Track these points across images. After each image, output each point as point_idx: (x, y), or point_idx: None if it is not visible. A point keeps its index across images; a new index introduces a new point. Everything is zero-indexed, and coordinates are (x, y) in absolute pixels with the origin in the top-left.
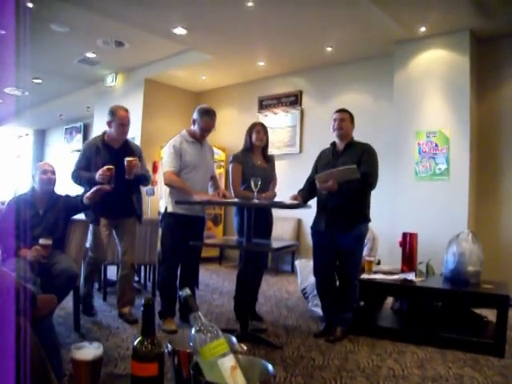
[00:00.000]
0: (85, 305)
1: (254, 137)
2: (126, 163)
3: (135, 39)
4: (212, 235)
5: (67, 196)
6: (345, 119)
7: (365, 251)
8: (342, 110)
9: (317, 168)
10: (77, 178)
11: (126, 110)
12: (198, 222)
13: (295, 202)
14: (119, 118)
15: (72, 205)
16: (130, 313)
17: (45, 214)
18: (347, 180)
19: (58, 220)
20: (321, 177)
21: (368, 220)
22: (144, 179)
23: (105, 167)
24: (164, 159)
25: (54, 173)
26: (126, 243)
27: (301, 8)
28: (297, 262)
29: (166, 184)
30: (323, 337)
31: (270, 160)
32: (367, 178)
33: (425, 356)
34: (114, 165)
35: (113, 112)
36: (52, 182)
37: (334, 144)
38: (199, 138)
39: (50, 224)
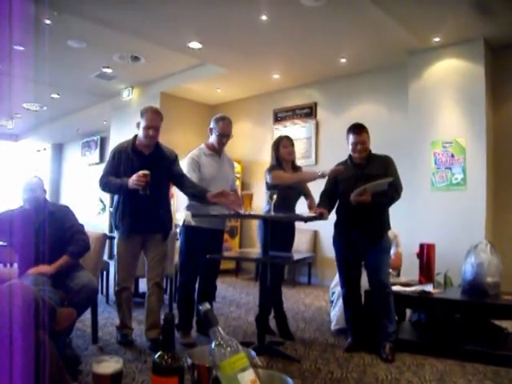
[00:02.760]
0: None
1: (282, 151)
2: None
3: (151, 54)
4: (228, 247)
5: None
6: (365, 141)
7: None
8: (359, 132)
9: (336, 181)
10: (105, 184)
11: (156, 112)
12: (217, 234)
13: (313, 214)
14: (146, 120)
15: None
16: (154, 338)
17: (41, 229)
18: (376, 192)
19: (56, 235)
20: (358, 191)
21: (389, 228)
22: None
23: (140, 172)
24: (186, 163)
25: (41, 189)
26: (151, 260)
27: (314, 20)
28: None
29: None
30: (354, 350)
31: (298, 171)
32: (397, 189)
33: (444, 369)
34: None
35: (142, 113)
36: (40, 200)
37: (350, 157)
38: (218, 149)
39: (51, 240)
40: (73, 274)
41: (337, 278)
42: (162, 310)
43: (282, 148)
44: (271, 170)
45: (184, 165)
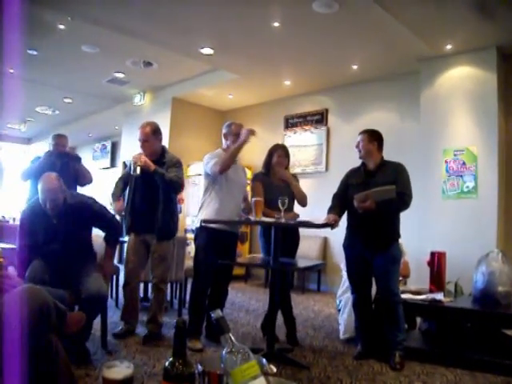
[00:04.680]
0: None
1: (275, 160)
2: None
3: (163, 59)
4: (238, 253)
5: (90, 203)
6: (361, 141)
7: None
8: (361, 133)
9: (347, 186)
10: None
11: (142, 127)
12: (232, 238)
13: (324, 222)
14: (138, 135)
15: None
16: (147, 332)
17: (60, 224)
18: (383, 200)
19: (77, 229)
20: (360, 196)
21: (399, 237)
22: (165, 181)
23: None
24: (205, 162)
25: (58, 192)
26: (151, 262)
27: (326, 27)
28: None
29: (221, 166)
30: (364, 358)
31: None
32: (403, 198)
33: (454, 378)
34: (144, 180)
35: None
36: (59, 203)
37: (363, 163)
38: None
39: (69, 234)
40: (84, 279)
41: (343, 286)
42: (171, 315)
43: (276, 157)
44: (254, 179)
45: (204, 160)
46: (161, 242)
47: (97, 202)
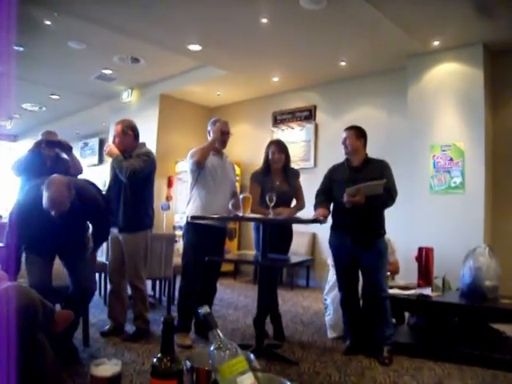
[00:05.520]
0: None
1: (270, 157)
2: None
3: (151, 56)
4: (227, 250)
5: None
6: (348, 137)
7: None
8: (346, 129)
9: (331, 182)
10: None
11: (116, 123)
12: (219, 233)
13: (314, 217)
14: None
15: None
16: (138, 328)
17: (60, 217)
18: (370, 195)
19: (76, 222)
20: (351, 190)
21: (385, 233)
22: (117, 168)
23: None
24: (188, 158)
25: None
26: (125, 257)
27: (314, 23)
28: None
29: (195, 158)
30: (352, 353)
31: (291, 178)
32: (390, 193)
33: (442, 372)
34: (116, 174)
35: None
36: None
37: (347, 159)
38: (219, 148)
39: (68, 228)
40: (73, 270)
41: (329, 284)
42: (160, 312)
43: (271, 154)
44: (250, 180)
45: (189, 153)
46: (126, 237)
47: (101, 198)
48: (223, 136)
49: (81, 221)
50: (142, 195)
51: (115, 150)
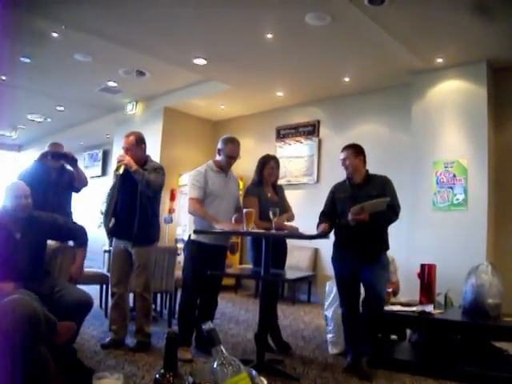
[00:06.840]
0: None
1: (266, 172)
2: None
3: (156, 69)
4: (229, 264)
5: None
6: (347, 157)
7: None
8: (344, 148)
9: (334, 201)
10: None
11: (127, 135)
12: (221, 251)
13: (319, 232)
14: (122, 143)
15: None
16: (139, 341)
17: (23, 238)
18: (375, 212)
19: (39, 244)
20: (356, 209)
21: (388, 248)
22: (143, 181)
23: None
24: (188, 186)
25: (27, 197)
26: (135, 269)
27: (318, 39)
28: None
29: (190, 212)
30: (353, 370)
31: (278, 191)
32: (394, 209)
33: None
34: (126, 183)
35: None
36: (29, 208)
37: (349, 177)
38: (225, 168)
39: (32, 250)
40: (58, 292)
41: (329, 301)
42: (161, 325)
43: (268, 169)
44: (246, 194)
45: (190, 179)
46: (139, 250)
47: (60, 217)
48: (231, 160)
49: (44, 240)
50: (154, 208)
51: (133, 163)
